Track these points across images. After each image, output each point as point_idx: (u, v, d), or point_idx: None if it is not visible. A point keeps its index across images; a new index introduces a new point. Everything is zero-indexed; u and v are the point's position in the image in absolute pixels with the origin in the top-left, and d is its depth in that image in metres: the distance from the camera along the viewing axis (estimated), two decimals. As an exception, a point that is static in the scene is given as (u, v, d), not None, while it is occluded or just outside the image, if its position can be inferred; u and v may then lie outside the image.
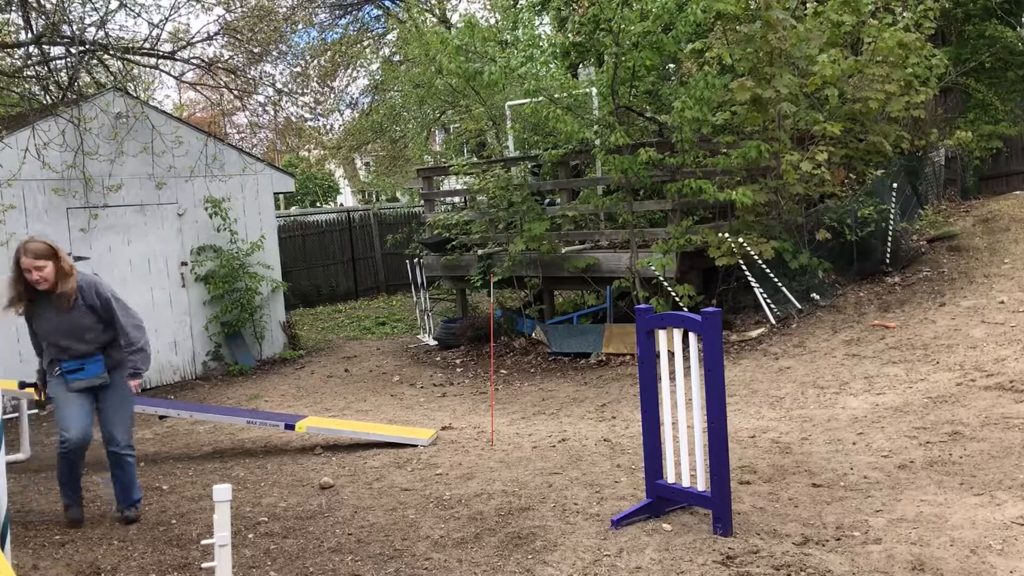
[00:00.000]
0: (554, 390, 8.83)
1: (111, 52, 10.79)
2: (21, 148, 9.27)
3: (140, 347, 5.19)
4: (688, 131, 9.50)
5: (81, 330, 5.14)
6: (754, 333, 9.38)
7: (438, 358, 11.14)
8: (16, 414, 6.97)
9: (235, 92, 12.67)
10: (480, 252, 11.60)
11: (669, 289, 9.54)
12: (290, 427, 6.79)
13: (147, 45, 11.16)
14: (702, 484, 4.43)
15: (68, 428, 5.07)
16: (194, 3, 11.56)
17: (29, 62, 10.92)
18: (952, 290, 9.51)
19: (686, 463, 4.53)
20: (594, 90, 11.33)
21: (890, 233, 10.34)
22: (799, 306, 9.61)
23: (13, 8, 10.60)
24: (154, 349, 10.29)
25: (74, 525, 5.23)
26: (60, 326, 5.12)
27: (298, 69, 16.89)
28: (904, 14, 11.03)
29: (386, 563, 4.36)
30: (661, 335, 4.54)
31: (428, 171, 13.36)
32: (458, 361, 10.83)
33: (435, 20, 20.05)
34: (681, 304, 9.30)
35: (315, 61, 20.25)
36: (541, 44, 10.29)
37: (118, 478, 5.31)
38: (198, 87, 13.01)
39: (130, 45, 10.94)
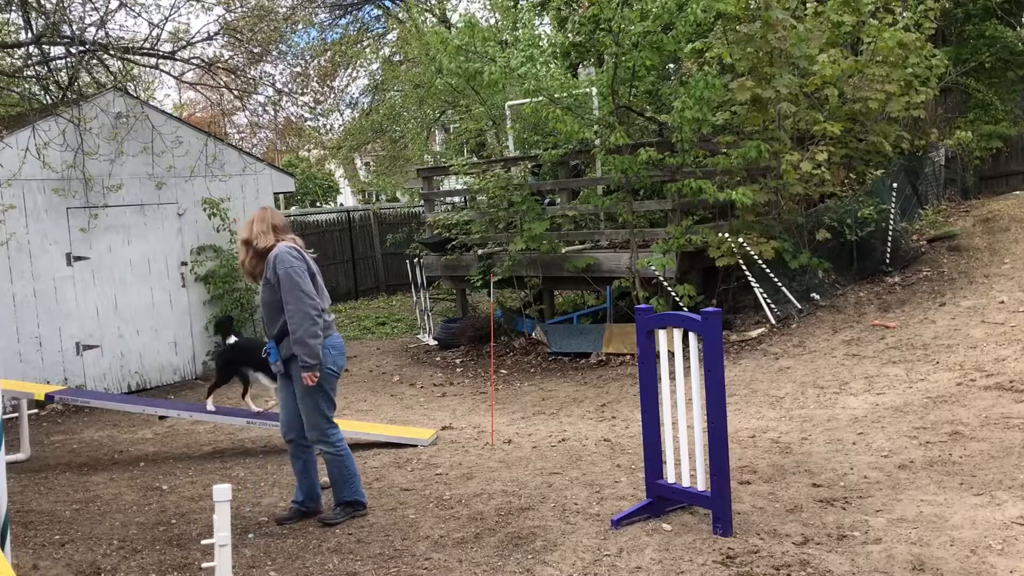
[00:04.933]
0: (554, 390, 8.83)
1: (111, 52, 10.78)
2: (21, 148, 9.26)
3: (298, 337, 4.78)
4: (688, 131, 9.50)
5: (265, 307, 4.90)
6: (754, 333, 9.38)
7: (438, 358, 11.14)
8: (16, 414, 6.96)
9: (235, 92, 12.66)
10: (480, 252, 11.60)
11: (669, 289, 9.54)
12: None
13: (147, 45, 11.16)
14: (702, 484, 4.43)
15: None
16: (194, 3, 11.57)
17: (29, 62, 10.91)
18: (952, 290, 9.51)
19: (686, 463, 4.53)
20: (594, 90, 11.33)
21: (890, 233, 10.34)
22: (799, 306, 9.61)
23: (13, 8, 10.60)
24: (154, 349, 10.50)
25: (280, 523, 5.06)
26: (262, 300, 4.95)
27: (298, 69, 16.89)
28: (904, 14, 11.03)
29: (386, 563, 4.35)
30: (661, 335, 4.54)
31: (428, 171, 13.36)
32: (458, 361, 10.83)
33: (435, 20, 20.05)
34: (681, 304, 9.30)
35: (315, 61, 20.26)
36: (541, 44, 10.29)
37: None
38: (198, 87, 13.01)
39: (130, 45, 10.94)
